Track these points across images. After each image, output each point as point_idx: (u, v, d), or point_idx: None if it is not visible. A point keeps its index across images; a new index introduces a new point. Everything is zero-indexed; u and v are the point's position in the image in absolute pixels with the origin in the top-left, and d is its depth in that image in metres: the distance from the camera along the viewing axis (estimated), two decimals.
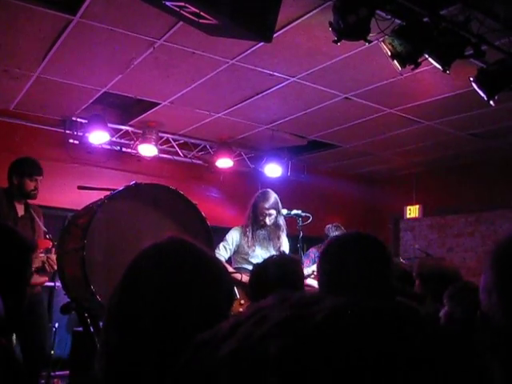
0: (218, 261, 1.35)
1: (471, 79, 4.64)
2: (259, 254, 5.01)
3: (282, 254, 3.41)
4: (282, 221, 5.25)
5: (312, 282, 5.62)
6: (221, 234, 5.43)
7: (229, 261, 5.30)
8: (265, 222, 5.12)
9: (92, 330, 4.04)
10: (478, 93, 4.66)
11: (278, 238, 5.23)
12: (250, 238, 5.13)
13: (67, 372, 5.63)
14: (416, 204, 9.84)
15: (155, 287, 1.17)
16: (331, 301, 0.53)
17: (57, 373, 5.74)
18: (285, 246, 5.28)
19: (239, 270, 4.98)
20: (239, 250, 5.20)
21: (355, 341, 0.48)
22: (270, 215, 5.12)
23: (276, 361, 0.48)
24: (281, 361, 0.48)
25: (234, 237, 5.22)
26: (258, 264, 3.18)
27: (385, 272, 1.92)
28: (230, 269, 5.00)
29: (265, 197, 5.18)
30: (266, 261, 3.09)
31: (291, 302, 0.55)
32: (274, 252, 5.01)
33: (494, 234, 8.65)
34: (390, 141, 8.04)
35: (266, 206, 5.12)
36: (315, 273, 5.58)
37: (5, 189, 4.83)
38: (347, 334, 0.49)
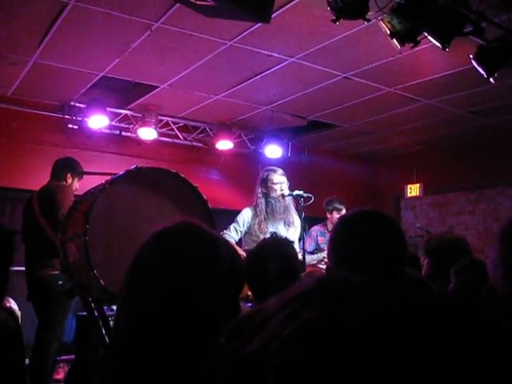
0: (229, 244, 1.35)
1: (471, 57, 4.61)
2: None
3: (275, 236, 3.35)
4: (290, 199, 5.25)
5: (320, 266, 5.65)
6: (222, 215, 5.42)
7: (240, 242, 5.27)
8: (281, 191, 5.11)
9: (96, 313, 4.07)
10: (478, 70, 4.63)
11: (291, 211, 5.21)
12: (261, 219, 5.09)
13: (72, 356, 5.67)
14: (417, 183, 9.83)
15: (163, 270, 1.17)
16: (369, 301, 0.50)
17: (62, 357, 5.78)
18: (296, 222, 5.25)
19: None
20: (250, 231, 5.16)
21: (387, 362, 0.45)
22: (283, 183, 5.13)
23: (289, 377, 0.46)
24: (295, 377, 0.46)
25: (244, 217, 5.18)
26: (251, 249, 3.14)
27: (396, 252, 1.89)
28: (241, 251, 4.97)
29: (272, 169, 5.22)
30: (259, 245, 3.04)
31: (330, 291, 0.52)
32: (285, 231, 4.98)
33: (495, 212, 8.66)
34: (390, 120, 8.01)
35: (278, 173, 5.14)
36: (325, 259, 5.61)
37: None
38: (377, 357, 0.45)
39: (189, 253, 1.20)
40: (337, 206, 6.13)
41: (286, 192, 5.15)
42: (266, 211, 5.12)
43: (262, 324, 0.52)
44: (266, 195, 5.15)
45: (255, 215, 5.15)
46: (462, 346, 0.48)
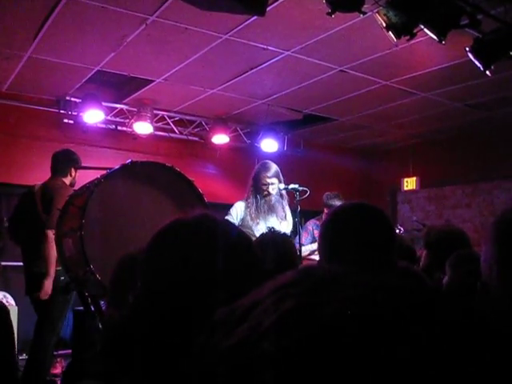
0: (247, 237, 1.36)
1: (467, 49, 4.60)
2: (263, 228, 4.99)
3: (273, 231, 3.35)
4: (284, 192, 5.27)
5: (317, 258, 5.66)
6: (218, 209, 5.42)
7: None
8: (268, 192, 5.12)
9: (92, 308, 4.07)
10: (474, 63, 4.63)
11: (282, 208, 5.23)
12: (253, 211, 5.12)
13: (69, 351, 5.68)
14: (413, 176, 9.84)
15: (179, 259, 1.16)
16: (346, 290, 0.50)
17: (59, 352, 5.79)
18: (288, 217, 5.27)
19: None
20: (243, 223, 5.19)
21: (355, 348, 0.46)
22: (272, 184, 5.13)
23: (271, 366, 0.46)
24: (276, 366, 0.46)
25: (238, 210, 5.21)
26: None
27: (386, 244, 1.89)
28: None
29: (265, 167, 5.20)
30: (257, 240, 3.04)
31: (309, 282, 0.53)
32: (278, 224, 5.00)
33: (491, 205, 8.67)
34: (387, 113, 8.00)
35: (268, 174, 5.13)
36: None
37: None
38: (350, 341, 0.46)
39: (211, 245, 1.19)
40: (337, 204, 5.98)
41: (274, 192, 5.15)
42: (255, 206, 5.15)
43: (243, 317, 0.52)
44: (256, 191, 5.18)
45: (246, 207, 5.18)
46: (437, 335, 0.48)
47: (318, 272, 0.55)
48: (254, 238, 4.76)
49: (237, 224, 5.18)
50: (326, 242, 1.90)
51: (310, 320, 0.47)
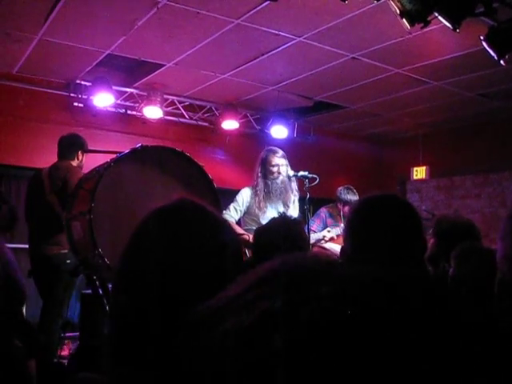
0: (226, 222, 1.34)
1: (481, 38, 4.55)
2: (269, 216, 4.97)
3: (284, 216, 3.34)
4: (293, 180, 5.24)
5: (326, 246, 5.64)
6: (227, 195, 5.42)
7: (238, 222, 5.29)
8: (278, 173, 5.09)
9: (100, 291, 4.09)
10: (488, 52, 4.57)
11: (291, 191, 5.20)
12: (260, 198, 5.10)
13: (77, 333, 5.71)
14: (423, 165, 9.79)
15: (161, 246, 1.16)
16: (325, 288, 0.49)
17: (67, 334, 5.82)
18: (296, 201, 5.25)
19: (249, 231, 4.93)
20: (249, 211, 5.18)
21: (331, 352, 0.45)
22: (281, 165, 5.11)
23: (246, 369, 0.46)
24: (251, 369, 0.45)
25: (244, 197, 5.19)
26: (260, 228, 3.13)
27: (413, 238, 1.86)
28: (240, 230, 4.98)
29: (272, 150, 5.20)
30: (268, 224, 3.04)
31: (286, 277, 0.51)
32: (284, 210, 4.99)
33: (501, 196, 8.63)
34: (398, 101, 7.95)
35: (277, 156, 5.11)
36: (326, 238, 5.58)
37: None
38: (328, 345, 0.45)
39: (189, 229, 1.19)
40: (352, 200, 5.79)
41: (284, 174, 5.13)
42: (265, 191, 5.13)
43: (221, 314, 0.52)
44: (265, 176, 5.15)
45: (254, 195, 5.15)
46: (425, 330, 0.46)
47: (290, 267, 0.54)
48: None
49: (242, 211, 5.17)
50: (353, 234, 1.86)
51: (288, 323, 0.46)
